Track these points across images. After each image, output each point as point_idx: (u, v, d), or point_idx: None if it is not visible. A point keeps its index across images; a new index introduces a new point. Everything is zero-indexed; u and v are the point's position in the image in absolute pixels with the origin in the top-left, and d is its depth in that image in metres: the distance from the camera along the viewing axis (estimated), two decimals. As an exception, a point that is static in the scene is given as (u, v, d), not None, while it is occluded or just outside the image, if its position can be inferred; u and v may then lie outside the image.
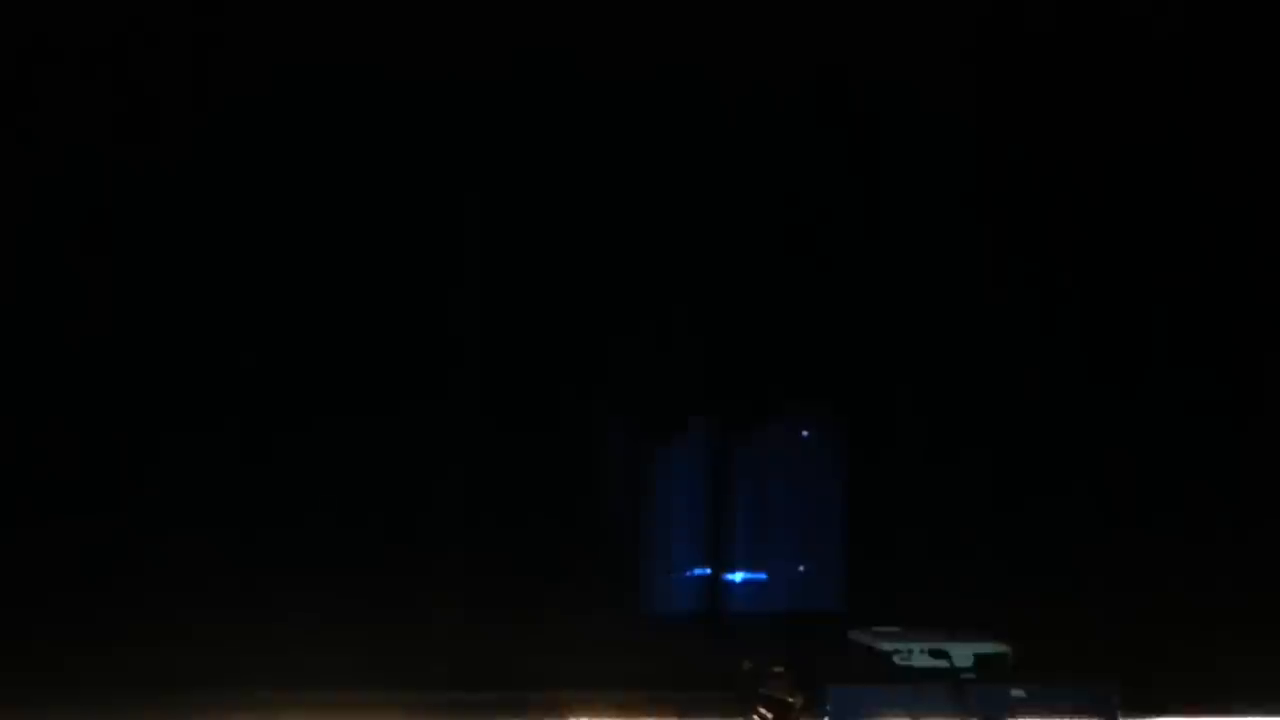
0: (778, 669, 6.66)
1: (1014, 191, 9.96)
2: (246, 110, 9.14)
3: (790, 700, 6.52)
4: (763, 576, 9.76)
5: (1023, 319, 9.81)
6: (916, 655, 6.42)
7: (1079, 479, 9.91)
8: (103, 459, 8.82)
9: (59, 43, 8.94)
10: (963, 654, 6.43)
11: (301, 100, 9.21)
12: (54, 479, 8.76)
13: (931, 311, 9.83)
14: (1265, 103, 9.85)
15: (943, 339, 9.79)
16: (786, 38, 9.71)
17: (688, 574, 9.76)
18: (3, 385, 8.79)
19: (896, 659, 6.41)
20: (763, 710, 6.76)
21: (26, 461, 8.73)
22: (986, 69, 9.90)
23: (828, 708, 6.25)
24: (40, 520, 8.66)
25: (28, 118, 8.92)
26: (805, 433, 10.04)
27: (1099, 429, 9.88)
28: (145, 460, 8.89)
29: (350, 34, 9.23)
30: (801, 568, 9.73)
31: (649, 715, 8.25)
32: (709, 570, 9.77)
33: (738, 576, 9.76)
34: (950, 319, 9.81)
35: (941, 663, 6.40)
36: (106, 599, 8.56)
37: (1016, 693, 6.35)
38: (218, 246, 9.05)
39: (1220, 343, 9.99)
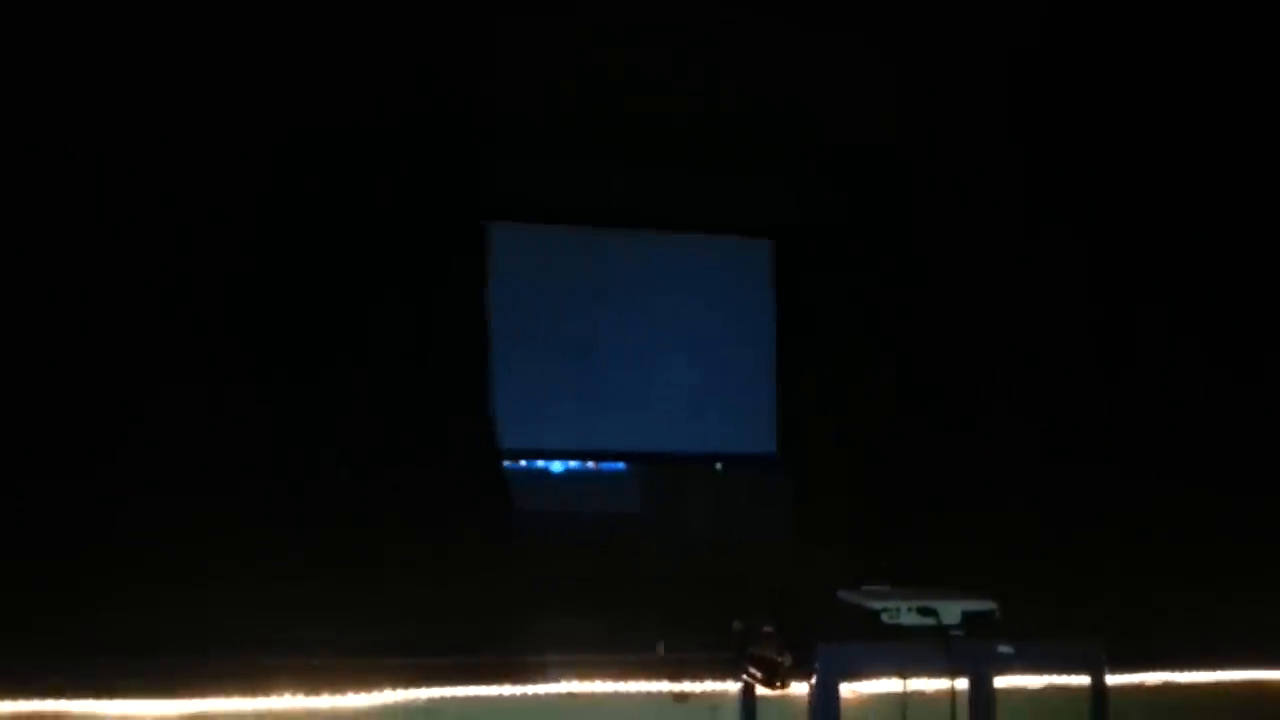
0: (767, 629, 6.67)
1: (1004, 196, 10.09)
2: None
3: (780, 660, 6.53)
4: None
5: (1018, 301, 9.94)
6: (904, 613, 6.42)
7: (1070, 438, 9.98)
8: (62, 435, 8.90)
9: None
10: (951, 611, 6.44)
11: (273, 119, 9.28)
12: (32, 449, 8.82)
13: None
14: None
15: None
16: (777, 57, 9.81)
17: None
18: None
19: (885, 617, 6.41)
20: (753, 670, 6.78)
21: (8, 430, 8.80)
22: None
23: (817, 666, 6.26)
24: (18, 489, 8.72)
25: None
26: None
27: (1092, 392, 9.96)
28: (116, 431, 8.94)
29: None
30: None
31: (640, 677, 8.30)
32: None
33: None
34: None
35: (929, 620, 6.41)
36: (79, 568, 8.60)
37: (1004, 649, 6.36)
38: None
39: (1204, 320, 10.09)
